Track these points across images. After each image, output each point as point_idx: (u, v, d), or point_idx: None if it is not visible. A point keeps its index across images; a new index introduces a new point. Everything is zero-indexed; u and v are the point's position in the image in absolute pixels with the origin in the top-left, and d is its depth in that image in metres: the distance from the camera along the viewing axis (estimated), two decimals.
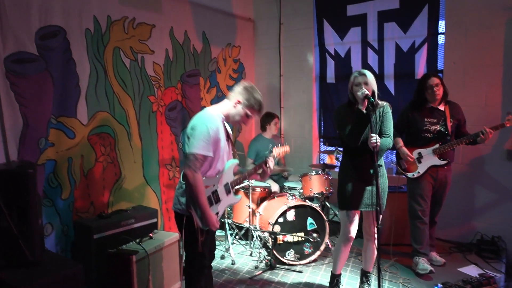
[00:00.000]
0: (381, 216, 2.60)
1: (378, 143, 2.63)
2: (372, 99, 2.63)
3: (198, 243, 2.48)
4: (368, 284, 3.24)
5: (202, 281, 2.66)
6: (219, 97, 5.00)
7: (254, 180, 4.21)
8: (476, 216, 4.26)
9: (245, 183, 4.01)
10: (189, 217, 2.46)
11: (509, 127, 3.58)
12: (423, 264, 3.54)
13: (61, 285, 2.32)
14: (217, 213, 2.59)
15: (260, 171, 2.80)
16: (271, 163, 2.74)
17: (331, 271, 3.31)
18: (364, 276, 3.26)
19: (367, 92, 2.70)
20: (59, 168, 3.26)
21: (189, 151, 2.38)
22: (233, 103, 2.55)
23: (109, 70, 3.64)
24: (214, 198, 2.56)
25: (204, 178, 2.46)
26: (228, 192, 2.67)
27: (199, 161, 2.37)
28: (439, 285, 3.20)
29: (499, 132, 3.36)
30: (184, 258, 2.62)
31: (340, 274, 3.29)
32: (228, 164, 2.67)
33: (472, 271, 3.61)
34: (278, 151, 2.91)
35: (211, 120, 2.45)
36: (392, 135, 2.96)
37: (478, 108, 4.11)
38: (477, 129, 3.37)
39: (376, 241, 3.11)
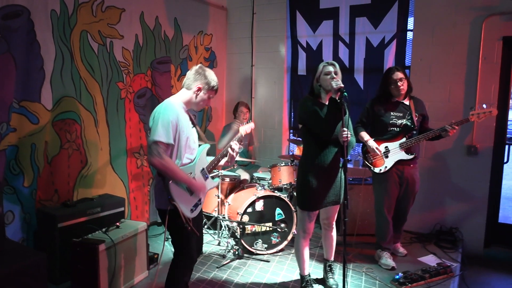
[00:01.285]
0: (338, 208, 2.63)
1: (349, 137, 2.66)
2: (346, 92, 2.63)
3: (190, 231, 2.47)
4: (332, 273, 3.30)
5: (187, 275, 2.67)
6: None
7: (223, 171, 4.20)
8: (436, 208, 4.44)
9: (218, 171, 4.01)
10: (172, 210, 2.42)
11: (470, 123, 3.73)
12: (386, 260, 3.63)
13: (22, 274, 2.26)
14: (200, 200, 2.61)
15: (226, 157, 2.80)
16: (235, 145, 2.75)
17: (299, 273, 3.21)
18: (327, 265, 3.31)
19: (342, 84, 2.70)
20: (22, 154, 3.14)
21: (150, 139, 2.37)
22: (193, 91, 2.54)
23: (76, 54, 3.52)
24: None
25: (181, 168, 2.47)
26: (205, 177, 2.68)
27: (161, 148, 2.36)
28: (400, 274, 3.33)
29: (460, 128, 3.50)
30: (150, 249, 2.59)
31: (309, 274, 3.20)
32: (200, 149, 2.67)
33: (431, 260, 3.77)
34: (243, 128, 2.93)
35: (170, 108, 2.45)
36: (353, 134, 3.02)
37: (442, 104, 4.27)
38: (442, 124, 3.44)
39: (334, 231, 3.21)
